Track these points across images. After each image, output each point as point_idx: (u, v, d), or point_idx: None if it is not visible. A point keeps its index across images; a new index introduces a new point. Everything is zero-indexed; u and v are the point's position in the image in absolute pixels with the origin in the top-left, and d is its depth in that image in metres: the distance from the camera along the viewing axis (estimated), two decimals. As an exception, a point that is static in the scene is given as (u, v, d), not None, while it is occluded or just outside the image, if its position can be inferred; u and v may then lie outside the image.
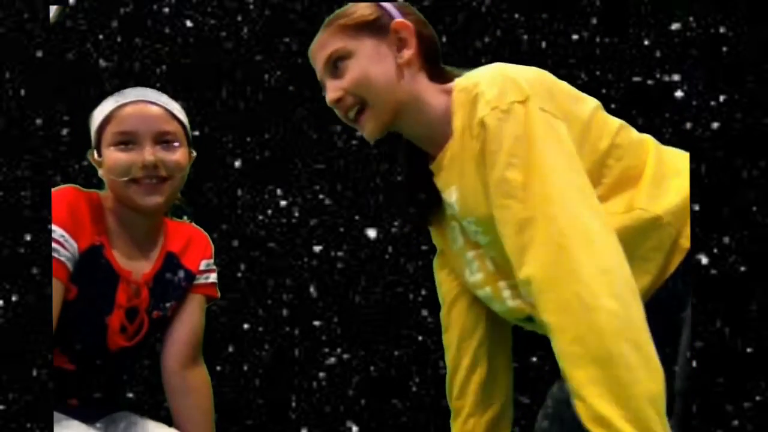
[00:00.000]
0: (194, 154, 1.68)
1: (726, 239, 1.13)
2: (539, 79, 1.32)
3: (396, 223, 3.02)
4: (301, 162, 3.04)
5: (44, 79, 0.86)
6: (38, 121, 0.96)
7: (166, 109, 1.62)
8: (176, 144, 1.61)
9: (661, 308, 1.30)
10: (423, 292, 2.96)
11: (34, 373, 1.00)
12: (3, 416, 0.98)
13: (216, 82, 3.05)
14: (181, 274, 1.72)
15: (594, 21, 2.81)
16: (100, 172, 1.65)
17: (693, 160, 1.19)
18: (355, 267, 3.02)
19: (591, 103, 1.37)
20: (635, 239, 1.28)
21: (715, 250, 1.14)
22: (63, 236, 1.54)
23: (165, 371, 1.70)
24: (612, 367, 1.10)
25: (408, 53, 1.38)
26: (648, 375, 1.11)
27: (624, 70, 2.73)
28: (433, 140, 1.40)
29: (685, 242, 1.31)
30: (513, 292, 1.41)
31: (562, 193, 1.20)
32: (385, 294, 2.99)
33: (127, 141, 1.58)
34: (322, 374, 3.02)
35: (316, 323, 3.06)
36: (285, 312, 3.09)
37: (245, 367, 3.03)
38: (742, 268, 1.12)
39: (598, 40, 2.79)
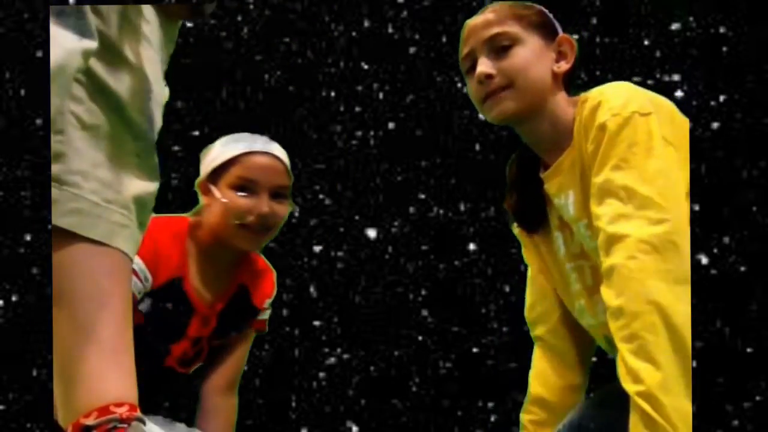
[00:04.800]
0: (295, 207, 1.77)
1: (726, 239, 1.13)
2: (665, 104, 1.41)
3: (396, 223, 3.02)
4: (301, 162, 3.04)
5: (44, 79, 0.86)
6: (38, 121, 0.96)
7: (285, 165, 1.70)
8: (285, 199, 1.70)
9: None
10: (423, 292, 2.96)
11: (34, 373, 1.00)
12: (3, 416, 0.98)
13: (216, 82, 3.05)
14: (248, 308, 1.76)
15: (594, 21, 2.81)
16: (205, 200, 1.69)
17: (693, 160, 1.19)
18: (355, 267, 3.02)
19: None
20: None
21: (715, 250, 1.14)
22: (142, 270, 1.56)
23: (202, 394, 1.76)
24: (673, 366, 1.19)
25: (564, 66, 1.49)
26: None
27: (624, 70, 2.73)
28: (554, 147, 1.48)
29: None
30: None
31: (661, 201, 1.28)
32: (385, 294, 2.99)
33: (247, 187, 1.64)
34: (322, 374, 3.01)
35: (316, 323, 3.06)
36: (285, 312, 3.09)
37: (245, 367, 3.02)
38: (742, 268, 1.12)
39: (598, 40, 2.79)
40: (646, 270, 1.24)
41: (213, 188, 1.66)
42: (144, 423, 1.02)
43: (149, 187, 1.10)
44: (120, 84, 1.04)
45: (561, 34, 1.53)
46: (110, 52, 1.03)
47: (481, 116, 1.55)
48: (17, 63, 0.97)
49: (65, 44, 0.92)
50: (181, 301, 1.64)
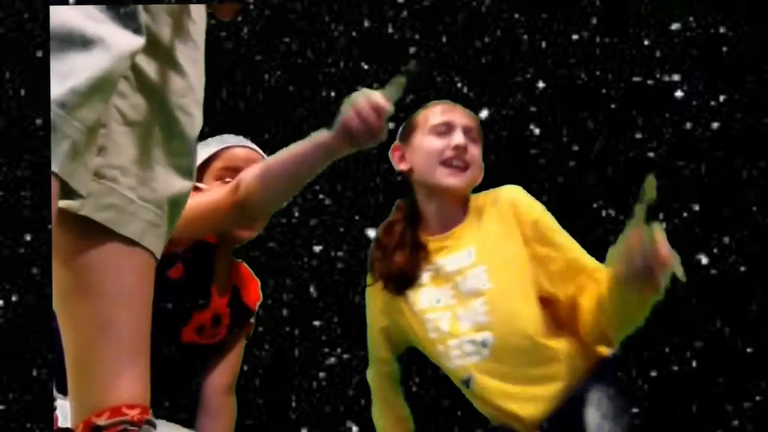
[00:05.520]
0: None
1: (726, 239, 1.13)
2: None
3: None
4: (301, 162, 3.04)
5: (44, 79, 0.86)
6: (38, 121, 0.96)
7: (263, 156, 1.82)
8: None
9: None
10: (423, 292, 2.96)
11: (34, 373, 1.00)
12: (3, 416, 0.98)
13: (216, 82, 3.05)
14: (244, 308, 1.85)
15: (594, 21, 2.81)
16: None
17: (693, 160, 1.19)
18: (355, 267, 3.02)
19: None
20: None
21: (715, 250, 1.14)
22: None
23: (204, 394, 1.84)
24: None
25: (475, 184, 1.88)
26: None
27: (624, 70, 2.73)
28: (450, 222, 1.80)
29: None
30: (461, 352, 1.73)
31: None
32: (385, 294, 2.99)
33: (232, 177, 1.72)
34: (322, 374, 3.01)
35: (316, 323, 3.06)
36: (285, 312, 3.09)
37: (245, 367, 3.03)
38: (742, 268, 1.12)
39: (598, 40, 2.79)
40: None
41: (199, 185, 1.71)
42: (154, 427, 1.02)
43: (184, 185, 1.10)
44: (165, 81, 1.04)
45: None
46: (157, 50, 1.03)
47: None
48: (17, 63, 0.97)
49: (116, 44, 0.90)
50: (208, 267, 1.72)
